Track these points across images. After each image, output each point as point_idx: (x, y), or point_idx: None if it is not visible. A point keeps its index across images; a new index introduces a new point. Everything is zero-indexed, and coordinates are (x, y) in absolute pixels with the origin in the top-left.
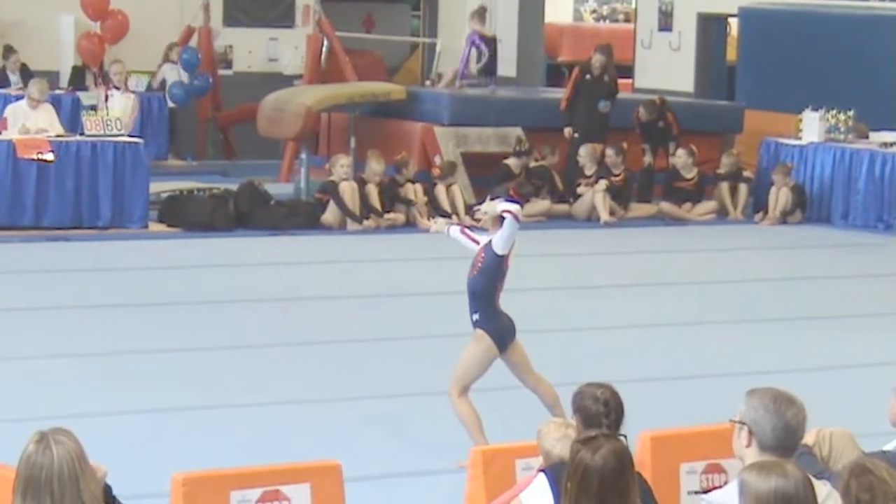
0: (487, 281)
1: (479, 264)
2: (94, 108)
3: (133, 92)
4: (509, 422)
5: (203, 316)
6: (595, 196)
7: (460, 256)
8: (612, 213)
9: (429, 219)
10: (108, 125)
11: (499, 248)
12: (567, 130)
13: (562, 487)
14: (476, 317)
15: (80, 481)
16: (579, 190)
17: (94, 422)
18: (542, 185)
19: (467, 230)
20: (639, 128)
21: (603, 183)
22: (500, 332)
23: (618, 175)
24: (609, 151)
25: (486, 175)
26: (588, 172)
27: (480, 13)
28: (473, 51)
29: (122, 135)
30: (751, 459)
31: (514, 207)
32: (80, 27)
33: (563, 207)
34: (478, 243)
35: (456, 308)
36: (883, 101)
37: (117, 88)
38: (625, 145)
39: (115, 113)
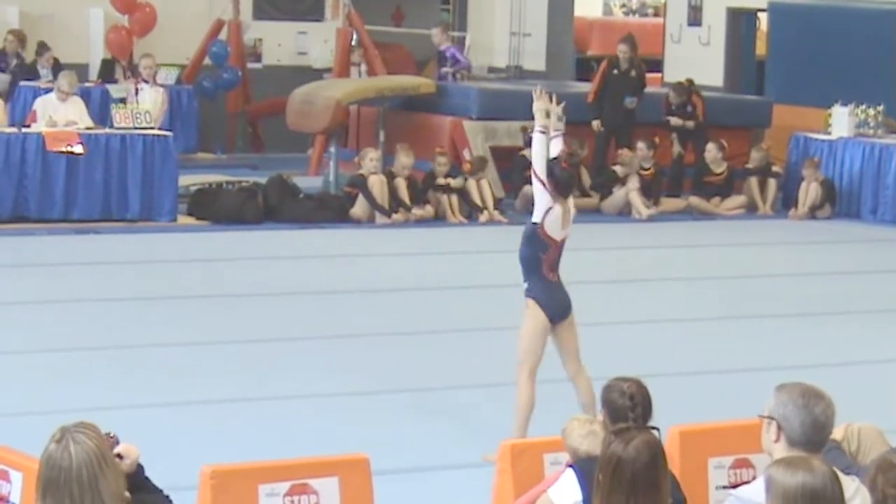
0: (529, 250)
1: (523, 232)
2: (123, 100)
3: (162, 85)
4: (538, 416)
5: (231, 309)
6: (630, 194)
7: (489, 250)
8: (640, 209)
9: (459, 213)
10: (137, 118)
11: (534, 216)
12: (595, 123)
13: (590, 482)
14: (526, 285)
15: (100, 482)
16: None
17: (122, 414)
18: None
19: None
20: (667, 114)
21: (636, 180)
22: (550, 302)
23: (647, 169)
24: (640, 145)
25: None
26: (620, 174)
27: (445, 27)
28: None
29: (151, 128)
30: (779, 454)
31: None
32: (109, 20)
33: (592, 202)
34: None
35: (485, 302)
36: None
37: (146, 82)
38: (656, 139)
39: (144, 106)
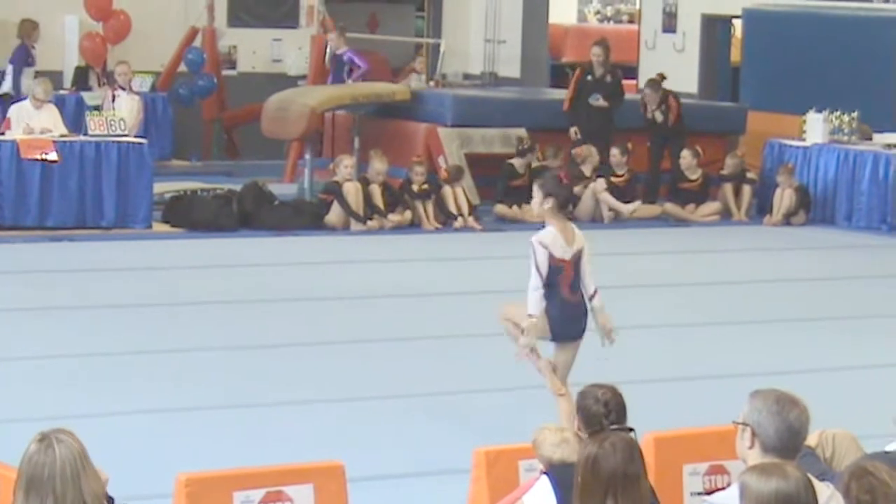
0: (550, 275)
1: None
2: (97, 108)
3: (137, 93)
4: (513, 423)
5: (206, 316)
6: (599, 195)
7: (464, 257)
8: (613, 210)
9: (434, 219)
10: (111, 125)
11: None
12: (571, 130)
13: (564, 489)
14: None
15: (82, 480)
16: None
17: (98, 422)
18: None
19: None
20: (644, 112)
21: (602, 182)
22: (561, 323)
23: (620, 175)
24: (614, 151)
25: (491, 176)
26: (587, 173)
27: (342, 31)
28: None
29: (125, 135)
30: (754, 461)
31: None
32: (85, 27)
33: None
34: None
35: (458, 308)
36: (886, 103)
37: (123, 89)
38: (629, 145)
39: (119, 114)
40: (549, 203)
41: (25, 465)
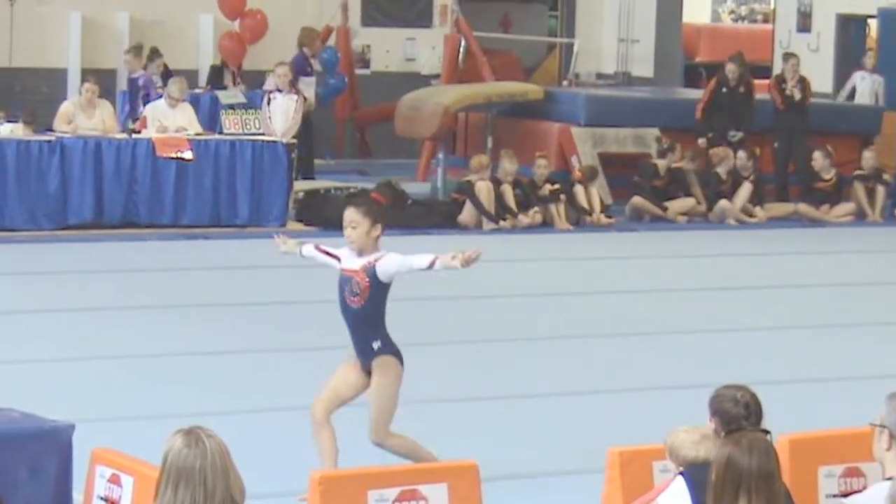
0: (378, 306)
1: (365, 292)
2: (232, 107)
3: (296, 94)
4: (647, 423)
5: (338, 315)
6: (736, 199)
7: (597, 257)
8: (749, 214)
9: (566, 219)
10: (246, 124)
11: (384, 277)
12: (701, 141)
13: (700, 490)
14: (377, 344)
15: (230, 474)
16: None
17: (234, 419)
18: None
19: (322, 246)
20: (781, 92)
21: (748, 187)
22: (400, 352)
23: (747, 176)
24: (740, 154)
25: (623, 175)
26: (723, 176)
27: (138, 51)
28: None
29: (260, 134)
30: (891, 463)
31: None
32: (219, 27)
33: (700, 209)
34: (338, 259)
35: (593, 309)
36: None
37: (280, 91)
38: (757, 150)
39: (276, 115)
40: (378, 230)
41: (173, 458)
